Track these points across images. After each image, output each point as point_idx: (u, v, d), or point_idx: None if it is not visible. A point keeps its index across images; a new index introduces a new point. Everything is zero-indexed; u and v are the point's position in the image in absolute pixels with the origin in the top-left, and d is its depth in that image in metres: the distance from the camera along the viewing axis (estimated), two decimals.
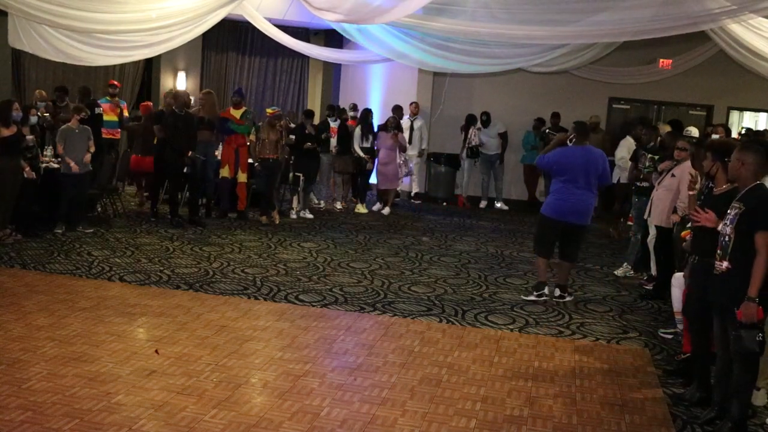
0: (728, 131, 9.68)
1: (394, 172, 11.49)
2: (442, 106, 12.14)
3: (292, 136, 10.20)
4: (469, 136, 12.51)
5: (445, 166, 12.99)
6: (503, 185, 12.94)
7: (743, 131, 11.46)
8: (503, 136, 12.72)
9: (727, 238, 4.23)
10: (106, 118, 10.43)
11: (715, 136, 8.76)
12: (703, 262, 4.61)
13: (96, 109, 10.07)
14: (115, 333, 5.35)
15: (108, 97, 10.86)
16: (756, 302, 4.03)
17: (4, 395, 4.17)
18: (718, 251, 4.28)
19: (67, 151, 8.23)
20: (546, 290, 7.04)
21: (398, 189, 12.79)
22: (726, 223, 4.25)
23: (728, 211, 4.25)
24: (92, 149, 8.50)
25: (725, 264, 4.22)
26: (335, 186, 11.87)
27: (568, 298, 7.10)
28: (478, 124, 12.54)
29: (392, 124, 11.34)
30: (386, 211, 11.44)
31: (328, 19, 9.09)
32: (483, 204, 12.82)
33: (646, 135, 8.59)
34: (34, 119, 8.26)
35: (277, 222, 9.84)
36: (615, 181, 11.07)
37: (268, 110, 10.02)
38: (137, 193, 11.03)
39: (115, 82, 11.34)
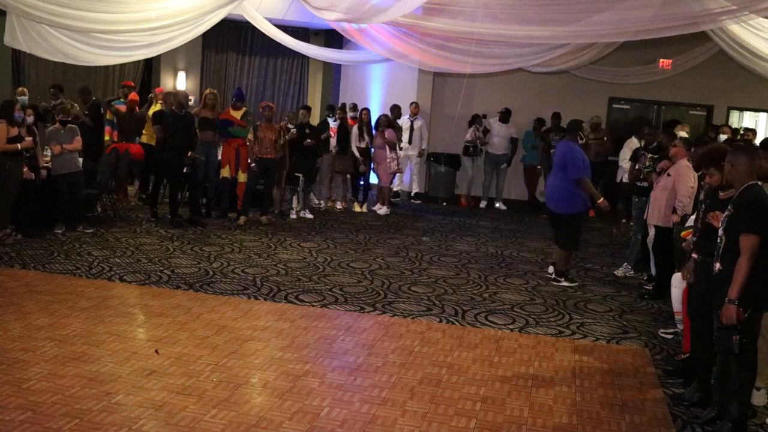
0: (734, 131, 9.65)
1: (385, 170, 11.49)
2: (458, 110, 12.11)
3: (294, 129, 10.19)
4: (467, 134, 12.55)
5: (445, 166, 12.99)
6: (504, 186, 12.95)
7: (742, 131, 11.47)
8: (513, 142, 12.73)
9: (719, 240, 4.25)
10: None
11: (722, 137, 8.78)
12: (705, 262, 4.62)
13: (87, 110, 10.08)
14: (115, 333, 5.35)
15: (123, 99, 10.80)
16: (735, 304, 4.02)
17: (4, 395, 4.17)
18: (715, 252, 4.30)
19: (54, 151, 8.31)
20: (564, 280, 7.67)
21: (398, 189, 12.82)
22: (721, 225, 4.28)
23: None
24: (78, 146, 8.47)
25: (718, 265, 4.24)
26: (335, 186, 11.87)
27: (563, 282, 7.65)
28: (483, 126, 12.57)
29: (384, 123, 11.32)
30: (382, 210, 11.42)
31: (327, 19, 9.09)
32: (483, 204, 12.82)
33: (649, 135, 8.63)
34: (30, 119, 8.26)
35: (264, 222, 9.84)
36: (618, 180, 11.11)
37: (261, 105, 10.09)
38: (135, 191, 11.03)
39: (131, 83, 11.28)
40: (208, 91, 10.33)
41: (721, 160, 4.46)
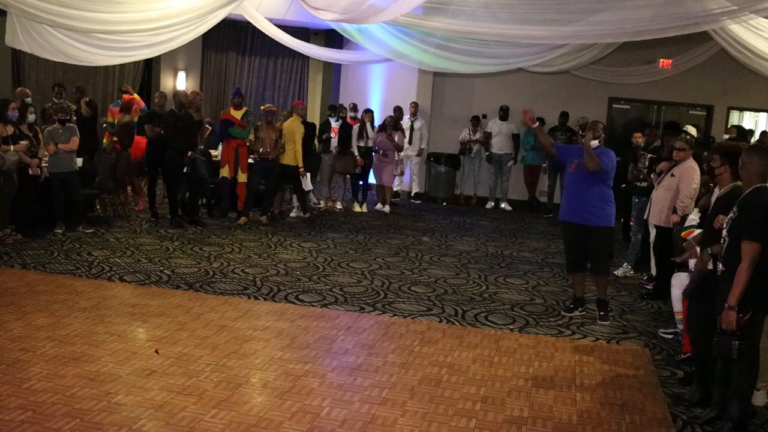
0: (741, 132, 9.58)
1: (391, 171, 11.51)
2: (408, 95, 12.02)
3: None
4: (462, 134, 12.61)
5: (445, 166, 12.99)
6: (508, 186, 12.98)
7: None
8: (515, 138, 12.74)
9: (723, 241, 4.23)
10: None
11: (725, 137, 8.79)
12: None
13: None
14: (115, 333, 5.35)
15: (119, 100, 10.79)
16: (735, 310, 3.98)
17: (4, 395, 4.17)
18: (719, 253, 4.29)
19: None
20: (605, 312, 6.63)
21: (398, 189, 12.82)
22: (725, 227, 4.26)
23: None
24: (74, 146, 8.44)
25: (720, 266, 4.23)
26: (335, 186, 11.87)
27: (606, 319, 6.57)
28: (477, 135, 12.61)
29: (389, 124, 11.35)
30: (386, 209, 11.44)
31: (325, 19, 9.07)
32: (491, 205, 12.83)
33: (649, 136, 8.65)
34: (32, 117, 8.26)
35: (264, 222, 9.84)
36: None
37: (263, 108, 10.09)
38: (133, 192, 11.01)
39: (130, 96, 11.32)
40: (196, 91, 10.41)
41: (735, 156, 4.41)
